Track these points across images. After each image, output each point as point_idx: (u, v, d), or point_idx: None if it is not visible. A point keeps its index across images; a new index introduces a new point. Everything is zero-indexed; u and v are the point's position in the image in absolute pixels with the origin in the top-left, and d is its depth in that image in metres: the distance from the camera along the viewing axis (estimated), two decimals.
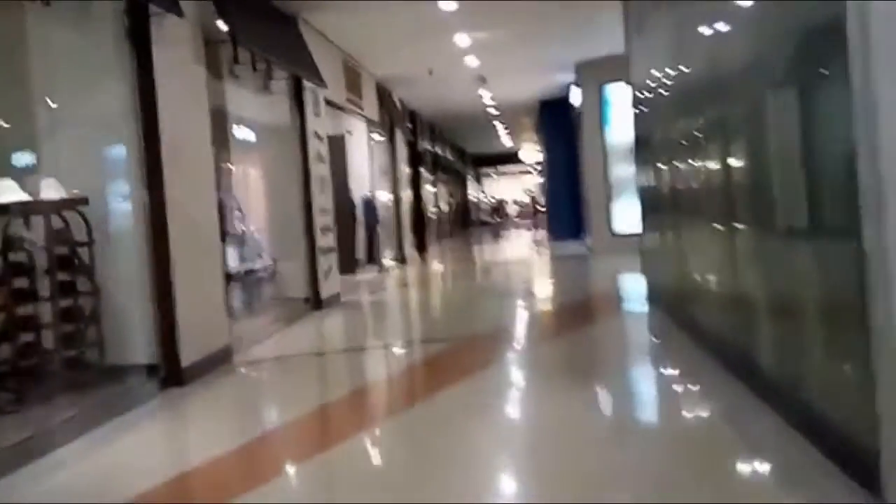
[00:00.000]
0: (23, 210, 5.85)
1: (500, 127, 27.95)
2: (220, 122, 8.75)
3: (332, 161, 11.92)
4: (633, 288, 10.06)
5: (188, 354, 6.65)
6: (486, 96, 19.18)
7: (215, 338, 7.31)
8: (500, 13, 11.10)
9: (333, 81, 11.83)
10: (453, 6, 10.56)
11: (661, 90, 7.30)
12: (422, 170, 22.80)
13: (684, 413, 5.27)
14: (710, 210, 5.81)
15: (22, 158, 6.37)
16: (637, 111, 9.07)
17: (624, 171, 14.95)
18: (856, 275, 3.28)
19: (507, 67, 15.45)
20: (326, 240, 11.08)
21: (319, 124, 11.03)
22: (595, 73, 15.52)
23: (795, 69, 4.03)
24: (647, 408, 5.71)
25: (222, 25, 7.67)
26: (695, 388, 5.74)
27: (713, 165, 5.75)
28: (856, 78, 3.19)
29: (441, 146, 27.89)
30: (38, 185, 6.02)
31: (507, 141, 33.34)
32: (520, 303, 11.54)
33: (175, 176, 6.64)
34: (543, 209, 26.26)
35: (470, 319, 10.01)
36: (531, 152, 33.93)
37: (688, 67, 6.22)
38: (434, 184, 26.74)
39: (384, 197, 17.08)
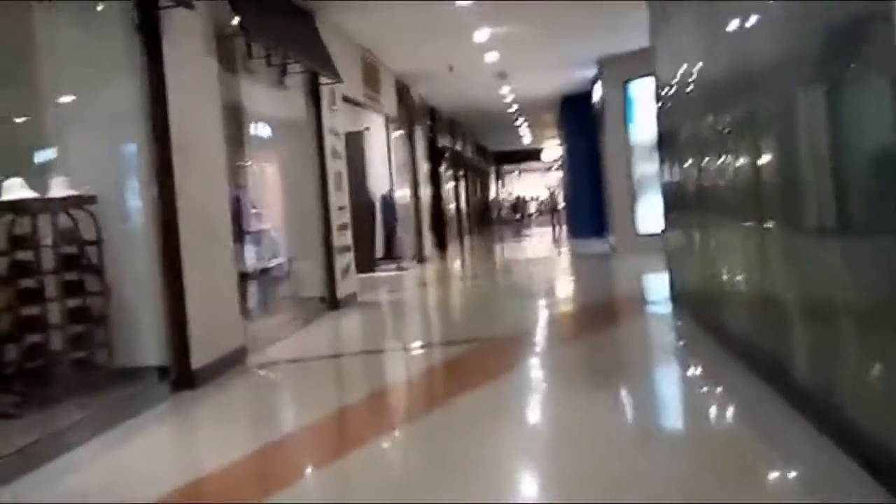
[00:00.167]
0: (29, 208, 5.72)
1: (521, 123, 27.82)
2: (234, 118, 8.61)
3: (349, 158, 11.83)
4: (658, 288, 9.85)
5: (200, 356, 6.52)
6: (507, 92, 19.05)
7: (228, 339, 7.19)
8: (521, 7, 10.95)
9: (351, 77, 11.72)
10: (469, 3, 10.35)
11: (687, 85, 7.10)
12: (442, 167, 22.73)
13: (710, 418, 5.11)
14: (739, 208, 5.63)
15: (30, 157, 6.22)
16: (662, 106, 8.85)
17: (647, 168, 14.84)
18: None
19: (528, 63, 15.31)
20: (343, 238, 10.96)
21: (336, 120, 10.92)
22: (618, 69, 15.35)
23: (833, 62, 3.82)
24: (672, 413, 5.55)
25: (234, 18, 7.50)
26: (721, 393, 5.57)
27: (743, 162, 5.55)
28: None
29: (461, 143, 27.80)
30: (46, 183, 5.90)
31: (528, 138, 33.19)
32: (541, 303, 11.38)
33: (186, 173, 6.52)
34: (563, 207, 26.06)
35: (491, 320, 9.85)
36: (553, 149, 33.71)
37: (717, 61, 6.01)
38: (454, 181, 26.66)
39: (403, 194, 16.94)
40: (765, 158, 5.06)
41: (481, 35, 12.55)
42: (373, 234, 14.81)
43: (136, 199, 6.35)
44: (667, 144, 8.83)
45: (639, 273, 12.50)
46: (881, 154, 3.26)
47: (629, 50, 13.61)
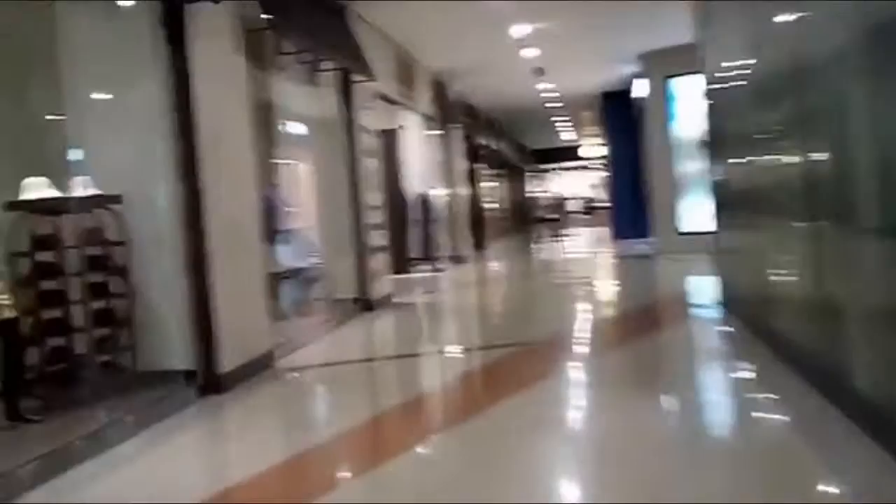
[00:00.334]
0: (52, 207, 5.58)
1: (560, 121, 27.59)
2: (265, 116, 8.48)
3: (383, 157, 11.71)
4: (704, 291, 9.58)
5: (227, 360, 6.40)
6: (546, 89, 18.83)
7: (257, 342, 7.06)
8: (560, 2, 10.77)
9: (385, 74, 11.59)
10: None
11: (738, 80, 6.88)
12: (479, 165, 22.56)
13: (762, 429, 4.85)
14: (796, 208, 5.36)
15: (54, 155, 6.09)
16: (710, 103, 8.63)
17: (691, 167, 14.66)
18: None
19: (567, 59, 15.12)
20: (377, 238, 10.83)
21: (369, 118, 10.79)
22: (660, 65, 15.17)
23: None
24: (721, 422, 5.27)
25: (263, 14, 7.33)
26: (774, 404, 5.29)
27: (800, 160, 5.26)
28: None
29: (499, 141, 27.59)
30: (69, 183, 5.77)
31: (567, 135, 32.95)
32: (581, 306, 11.10)
33: (213, 171, 6.41)
34: (602, 206, 25.76)
35: (530, 324, 9.64)
36: (592, 147, 33.41)
37: (770, 55, 5.76)
38: (492, 180, 26.45)
39: (439, 193, 16.76)
40: (823, 156, 4.79)
41: (519, 31, 12.35)
42: (407, 235, 14.62)
43: (162, 199, 6.22)
44: (717, 142, 8.59)
45: (683, 275, 12.23)
46: None
47: (670, 46, 13.50)
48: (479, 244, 20.44)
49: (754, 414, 5.25)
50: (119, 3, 6.15)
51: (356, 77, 10.17)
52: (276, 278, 8.79)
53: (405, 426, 5.49)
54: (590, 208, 41.11)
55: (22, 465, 4.46)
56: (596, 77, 18.06)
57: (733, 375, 6.35)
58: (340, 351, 8.26)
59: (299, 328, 8.63)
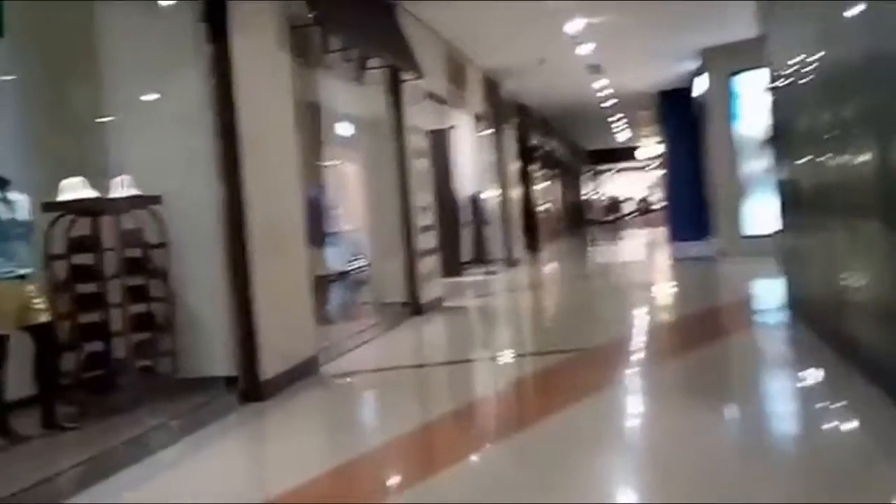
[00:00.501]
0: (89, 208, 5.44)
1: (616, 120, 27.33)
2: (311, 115, 8.36)
3: (434, 157, 11.70)
4: (769, 295, 9.25)
5: (270, 365, 6.26)
6: (601, 87, 18.60)
7: (301, 347, 6.91)
8: None
9: (435, 73, 11.46)
10: None
11: (806, 74, 6.58)
12: (532, 166, 22.37)
13: (834, 441, 4.60)
14: (869, 207, 5.01)
15: (92, 155, 5.98)
16: (776, 99, 8.30)
17: (754, 166, 14.37)
18: None
19: (624, 56, 14.88)
20: (427, 240, 10.69)
21: (419, 118, 10.68)
22: (722, 61, 14.88)
23: None
24: (791, 436, 4.96)
25: (309, 10, 7.17)
26: (846, 413, 5.01)
27: (874, 157, 4.92)
28: None
29: (553, 141, 27.40)
30: (108, 183, 5.64)
31: (623, 135, 32.68)
32: (639, 311, 10.81)
33: (256, 171, 6.27)
34: (659, 207, 25.38)
35: (585, 329, 9.34)
36: (650, 147, 33.03)
37: (841, 47, 5.45)
38: (545, 181, 26.25)
39: (492, 195, 16.60)
40: None
41: (574, 26, 12.13)
42: (459, 237, 14.49)
43: (203, 199, 6.09)
44: (783, 139, 8.26)
45: (746, 278, 11.85)
46: None
47: (733, 41, 13.24)
48: (532, 246, 20.22)
49: (825, 425, 4.97)
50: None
51: (405, 75, 10.03)
52: (323, 281, 8.72)
53: (456, 435, 5.30)
54: (646, 209, 40.54)
55: (60, 472, 4.34)
56: (654, 74, 17.79)
57: (802, 383, 6.07)
58: (388, 356, 8.11)
59: (346, 332, 8.49)
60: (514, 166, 18.99)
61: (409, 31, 10.19)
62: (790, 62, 7.13)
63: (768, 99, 8.62)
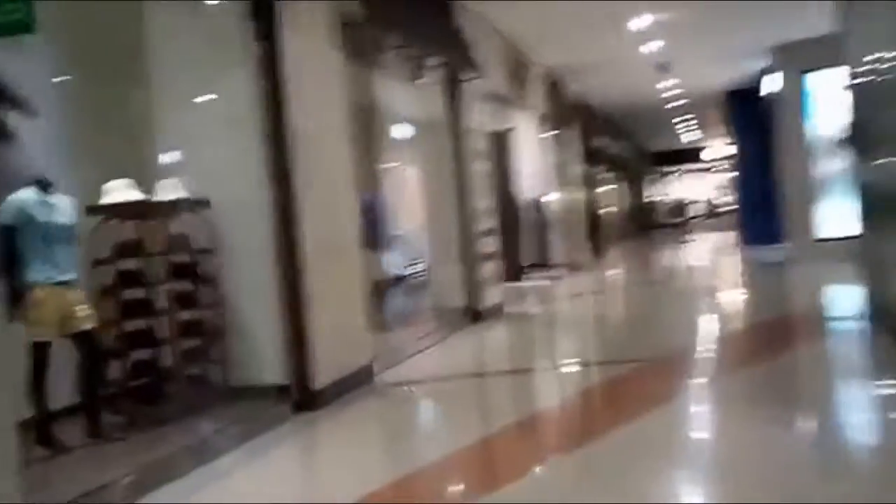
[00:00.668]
0: (135, 212, 5.32)
1: (682, 121, 26.94)
2: (366, 116, 8.23)
3: (494, 159, 11.51)
4: (846, 303, 8.92)
5: (323, 374, 6.10)
6: (668, 87, 18.32)
7: (356, 355, 6.73)
8: None
9: (495, 72, 11.30)
10: None
11: (889, 72, 6.27)
12: (596, 168, 22.15)
13: None
14: None
15: (139, 157, 5.88)
16: (856, 97, 7.92)
17: (828, 167, 14.01)
18: None
19: (691, 54, 14.64)
20: (487, 244, 10.50)
21: (478, 119, 10.49)
22: (794, 59, 14.45)
23: None
24: (870, 454, 4.57)
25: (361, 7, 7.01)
26: None
27: None
28: None
29: (617, 142, 27.10)
30: (155, 186, 5.53)
31: (690, 136, 32.27)
32: (709, 318, 10.47)
33: (307, 174, 6.11)
34: (727, 210, 24.90)
35: (652, 337, 9.03)
36: (717, 148, 32.51)
37: None
38: (609, 183, 25.97)
39: (554, 197, 16.37)
40: None
41: (639, 23, 11.89)
42: (519, 241, 14.27)
43: (253, 203, 5.95)
44: (863, 139, 7.88)
45: (821, 284, 11.47)
46: None
47: (807, 37, 12.93)
48: (596, 250, 19.91)
49: None
50: None
51: (464, 75, 9.85)
52: (379, 286, 8.60)
53: (520, 448, 5.12)
54: (714, 212, 39.77)
55: (104, 484, 4.23)
56: (722, 73, 17.45)
57: (883, 395, 5.71)
58: (447, 364, 7.90)
59: (403, 339, 8.37)
60: (577, 168, 18.76)
61: (468, 28, 10.02)
62: (872, 59, 6.81)
63: (847, 97, 8.26)
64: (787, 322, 9.27)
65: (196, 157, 5.92)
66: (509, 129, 13.65)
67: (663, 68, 15.46)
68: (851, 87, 8.03)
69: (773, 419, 5.12)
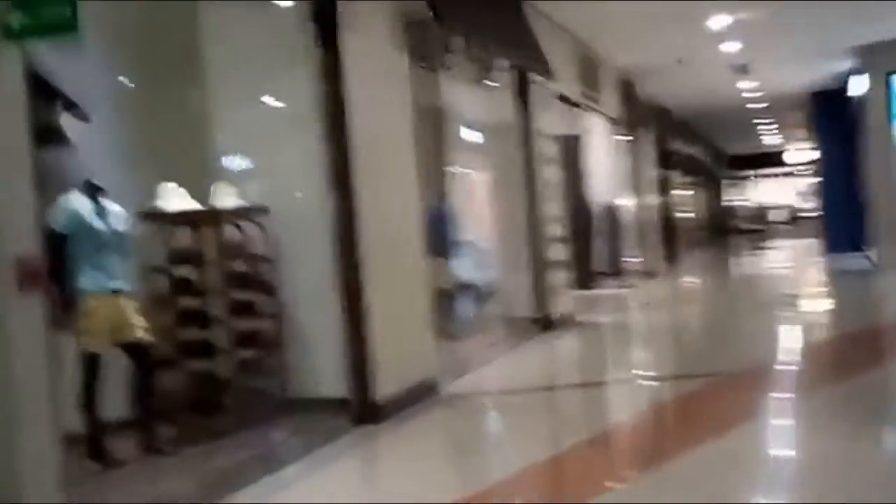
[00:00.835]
0: (191, 219, 5.22)
1: (763, 123, 26.28)
2: (432, 119, 8.07)
3: (565, 164, 11.32)
4: None
5: (385, 386, 5.93)
6: (748, 88, 17.79)
7: (418, 367, 6.54)
8: None
9: (566, 74, 10.99)
10: None
11: None
12: (671, 172, 21.68)
13: None
14: None
15: (197, 162, 5.79)
16: None
17: None
18: None
19: (773, 54, 14.11)
20: (558, 251, 10.24)
21: (549, 122, 10.23)
22: (881, 59, 14.13)
23: None
24: None
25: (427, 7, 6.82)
26: None
27: None
28: None
29: (694, 146, 26.57)
30: (211, 191, 5.44)
31: (770, 139, 31.56)
32: (790, 329, 10.01)
33: (370, 180, 5.94)
34: (809, 216, 24.22)
35: (730, 349, 8.71)
36: (799, 151, 31.71)
37: None
38: (685, 188, 25.48)
39: (628, 203, 16.06)
40: None
41: (718, 22, 11.49)
42: (591, 248, 14.04)
43: (313, 210, 5.84)
44: None
45: None
46: None
47: (892, 38, 12.68)
48: (671, 257, 19.48)
49: None
50: None
51: (534, 77, 9.62)
52: (445, 294, 8.41)
53: (594, 466, 4.96)
54: (795, 218, 38.72)
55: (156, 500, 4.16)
56: (805, 74, 16.86)
57: None
58: (515, 376, 7.69)
59: (470, 349, 8.21)
60: (652, 173, 18.36)
61: (538, 29, 9.78)
62: None
63: None
64: (874, 334, 8.86)
65: (254, 161, 5.84)
66: (581, 133, 13.44)
67: (741, 69, 15.05)
68: None
69: (861, 437, 4.89)
